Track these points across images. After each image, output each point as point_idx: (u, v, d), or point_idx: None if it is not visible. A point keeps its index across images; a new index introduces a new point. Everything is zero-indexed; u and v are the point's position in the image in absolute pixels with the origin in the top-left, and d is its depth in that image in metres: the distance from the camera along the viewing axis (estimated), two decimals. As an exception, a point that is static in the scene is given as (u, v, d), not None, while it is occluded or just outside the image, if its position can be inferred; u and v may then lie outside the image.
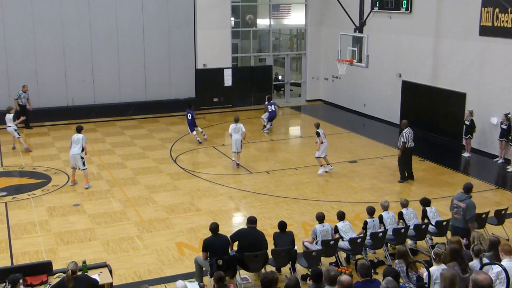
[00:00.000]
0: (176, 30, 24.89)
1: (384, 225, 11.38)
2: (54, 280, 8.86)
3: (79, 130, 15.72)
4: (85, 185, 15.47)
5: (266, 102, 22.03)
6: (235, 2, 25.85)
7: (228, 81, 25.78)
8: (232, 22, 26.08)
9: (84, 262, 9.23)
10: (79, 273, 8.68)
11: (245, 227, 10.62)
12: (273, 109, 21.63)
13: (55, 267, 9.44)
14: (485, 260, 8.63)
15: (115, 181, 16.13)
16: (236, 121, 17.61)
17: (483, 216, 11.95)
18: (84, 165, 15.54)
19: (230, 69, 25.81)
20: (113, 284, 9.27)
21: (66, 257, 11.18)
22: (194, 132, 20.11)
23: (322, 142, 16.48)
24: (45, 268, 9.17)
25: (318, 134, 16.54)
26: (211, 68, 25.45)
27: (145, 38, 24.48)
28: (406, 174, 16.20)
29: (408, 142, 15.74)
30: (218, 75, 25.58)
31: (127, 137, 21.00)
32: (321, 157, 16.66)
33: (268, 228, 12.30)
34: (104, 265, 9.53)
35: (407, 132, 15.74)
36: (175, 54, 25.07)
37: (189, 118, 20.00)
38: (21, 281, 8.30)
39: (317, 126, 16.85)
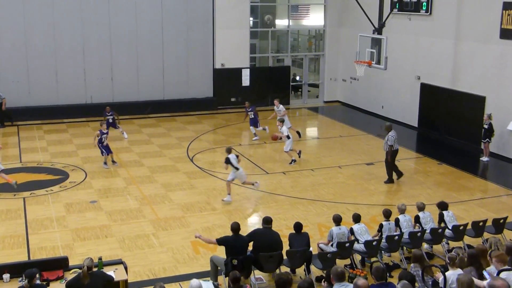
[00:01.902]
0: (195, 30, 24.97)
1: (400, 228, 11.31)
2: (70, 275, 8.93)
3: None
4: (13, 182, 14.72)
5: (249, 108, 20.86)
6: (254, 2, 25.86)
7: (246, 81, 25.84)
8: (251, 22, 26.09)
9: (100, 259, 9.30)
10: (95, 269, 8.75)
11: (261, 227, 10.63)
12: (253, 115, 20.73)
13: (71, 262, 9.52)
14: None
15: (132, 179, 16.22)
16: None
17: (501, 221, 11.83)
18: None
19: (248, 69, 25.85)
20: (128, 281, 9.33)
21: (82, 253, 11.27)
22: (121, 129, 20.32)
23: (237, 168, 14.39)
24: (61, 263, 9.27)
25: (227, 161, 14.31)
26: (229, 68, 25.50)
27: (164, 37, 24.59)
28: (396, 175, 16.11)
29: (394, 145, 15.75)
30: (236, 75, 25.64)
31: (145, 135, 21.11)
32: (230, 181, 14.62)
33: (283, 229, 12.29)
34: (119, 262, 9.58)
35: (393, 135, 15.74)
36: (194, 53, 25.14)
37: (110, 121, 19.93)
38: (37, 275, 8.36)
39: (229, 151, 14.53)
